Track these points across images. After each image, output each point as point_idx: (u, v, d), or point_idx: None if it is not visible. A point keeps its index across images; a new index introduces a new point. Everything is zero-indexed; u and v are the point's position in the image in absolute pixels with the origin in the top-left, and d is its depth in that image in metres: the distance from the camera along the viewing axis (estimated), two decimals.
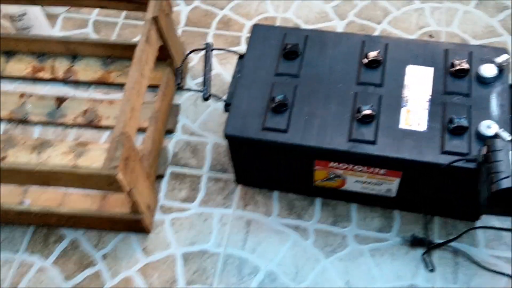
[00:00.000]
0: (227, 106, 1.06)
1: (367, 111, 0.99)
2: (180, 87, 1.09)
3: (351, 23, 1.46)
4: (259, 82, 1.07)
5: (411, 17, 1.46)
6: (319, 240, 1.12)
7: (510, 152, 0.68)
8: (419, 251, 1.08)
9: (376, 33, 1.43)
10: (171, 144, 1.27)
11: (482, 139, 0.94)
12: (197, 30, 1.49)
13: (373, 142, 0.98)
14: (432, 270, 0.92)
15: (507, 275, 1.05)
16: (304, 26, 1.46)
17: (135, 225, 1.11)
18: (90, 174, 0.97)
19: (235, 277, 1.08)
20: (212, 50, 1.12)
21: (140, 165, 1.04)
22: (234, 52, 1.16)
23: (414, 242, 1.09)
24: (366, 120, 0.99)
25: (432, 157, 0.95)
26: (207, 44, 1.12)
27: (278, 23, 1.48)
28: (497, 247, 1.09)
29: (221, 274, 1.09)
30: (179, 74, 1.09)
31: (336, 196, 1.15)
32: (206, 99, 1.05)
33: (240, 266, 1.09)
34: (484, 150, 0.71)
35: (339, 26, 1.46)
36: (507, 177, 0.66)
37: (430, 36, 1.41)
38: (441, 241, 1.09)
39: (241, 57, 1.13)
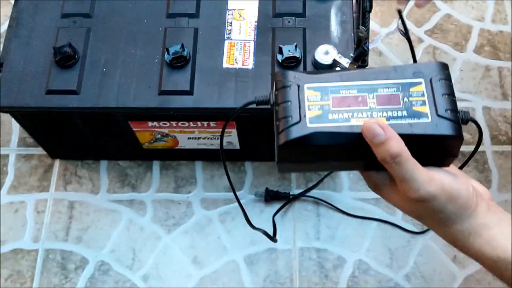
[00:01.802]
0: (0, 67, 0.80)
1: (177, 52, 0.77)
2: None
3: None
4: (40, 30, 0.81)
5: None
6: (159, 213, 0.92)
7: (302, 86, 0.49)
8: (276, 207, 0.92)
9: None
10: None
11: (320, 69, 0.76)
12: None
13: (189, 92, 0.76)
14: (274, 240, 0.76)
15: (376, 219, 0.91)
16: None
17: None
18: None
19: (58, 277, 0.88)
20: None
21: None
22: None
23: (269, 197, 0.92)
24: (178, 64, 0.77)
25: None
26: None
27: None
28: (363, 188, 0.94)
29: (41, 276, 0.88)
30: None
31: (176, 156, 0.95)
32: None
33: (64, 261, 0.89)
34: (274, 88, 0.51)
35: None
36: (297, 122, 0.47)
37: None
38: (299, 190, 0.93)
39: None
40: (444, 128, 0.46)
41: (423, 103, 0.47)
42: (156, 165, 0.96)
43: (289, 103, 0.48)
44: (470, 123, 0.49)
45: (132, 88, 0.77)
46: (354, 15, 0.80)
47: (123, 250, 0.89)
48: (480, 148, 0.96)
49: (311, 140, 0.46)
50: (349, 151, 0.48)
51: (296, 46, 0.76)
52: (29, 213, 0.92)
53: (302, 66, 0.77)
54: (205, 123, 0.82)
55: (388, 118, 0.47)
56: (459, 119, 0.47)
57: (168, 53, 0.77)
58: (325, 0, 0.81)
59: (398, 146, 0.45)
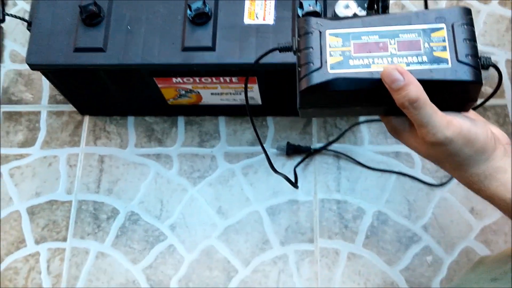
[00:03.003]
0: (30, 26, 0.83)
1: (199, 8, 0.78)
2: None
3: None
4: None
5: None
6: (184, 167, 0.96)
7: (324, 32, 0.50)
8: (297, 160, 0.94)
9: None
10: None
11: None
12: None
13: (211, 48, 0.78)
14: (295, 186, 0.78)
15: (395, 172, 0.93)
16: None
17: None
18: None
19: (91, 226, 0.93)
20: None
21: None
22: None
23: (290, 151, 0.95)
24: (200, 21, 0.79)
25: (281, 56, 0.75)
26: None
27: None
28: (383, 141, 0.95)
29: (75, 225, 0.93)
30: None
31: (200, 112, 0.98)
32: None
33: (96, 212, 0.94)
34: (296, 34, 0.52)
35: None
36: (318, 68, 0.49)
37: None
38: (320, 145, 0.95)
39: None
40: (464, 74, 0.47)
41: (444, 49, 0.48)
42: (181, 120, 0.99)
43: (311, 49, 0.49)
44: (491, 73, 0.50)
45: (156, 45, 0.79)
46: None
47: (152, 201, 0.94)
48: (502, 101, 0.96)
49: (332, 86, 0.48)
50: (369, 96, 0.49)
51: (316, 0, 0.76)
52: (62, 166, 0.97)
53: None
54: (227, 79, 0.84)
55: (408, 64, 0.48)
56: (480, 64, 0.48)
57: (190, 10, 0.78)
58: None
59: (416, 91, 0.46)
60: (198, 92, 0.89)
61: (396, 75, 0.46)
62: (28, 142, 0.99)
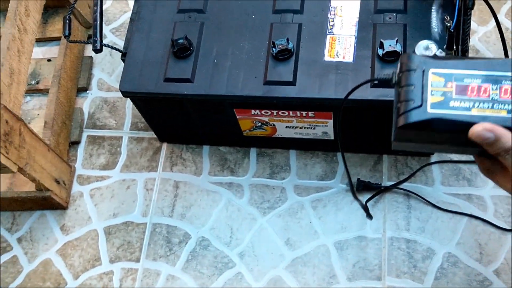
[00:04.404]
0: (124, 57, 0.89)
1: (282, 45, 0.82)
2: (69, 40, 0.92)
3: None
4: (159, 23, 0.90)
5: None
6: (255, 197, 0.99)
7: (427, 71, 0.52)
8: (366, 197, 0.95)
9: None
10: (86, 104, 1.12)
11: None
12: None
13: (292, 83, 0.82)
14: (370, 218, 0.79)
15: (467, 215, 0.92)
16: None
17: (45, 203, 0.98)
18: None
19: (163, 249, 0.97)
20: None
21: (32, 136, 0.90)
22: None
23: (360, 187, 0.96)
24: (283, 57, 0.83)
25: (360, 93, 0.78)
26: None
27: None
28: (455, 183, 0.95)
29: (148, 247, 0.97)
30: (66, 23, 0.92)
31: (272, 144, 1.01)
32: (97, 51, 0.88)
33: (169, 235, 0.98)
34: (398, 69, 0.54)
35: None
36: (418, 106, 0.50)
37: None
38: (391, 183, 0.96)
39: None
40: None
41: None
42: (253, 151, 1.03)
43: (412, 86, 0.51)
44: None
45: (240, 78, 0.84)
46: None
47: (222, 228, 0.97)
48: None
49: (430, 125, 0.50)
50: (466, 138, 0.50)
51: (397, 41, 0.79)
52: (139, 190, 1.02)
53: None
54: (304, 113, 0.87)
55: (509, 111, 0.49)
56: None
57: (274, 46, 0.83)
58: None
59: (509, 141, 0.48)
60: (274, 125, 0.92)
61: (486, 135, 0.48)
62: (109, 165, 1.05)
